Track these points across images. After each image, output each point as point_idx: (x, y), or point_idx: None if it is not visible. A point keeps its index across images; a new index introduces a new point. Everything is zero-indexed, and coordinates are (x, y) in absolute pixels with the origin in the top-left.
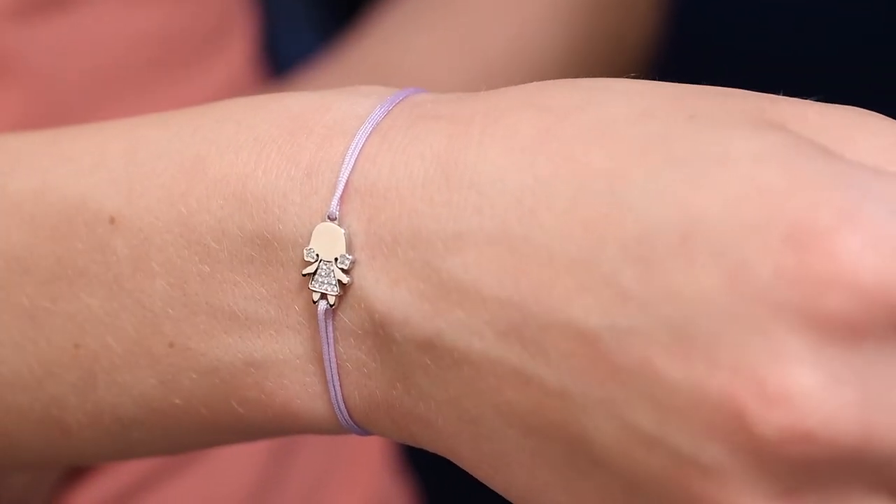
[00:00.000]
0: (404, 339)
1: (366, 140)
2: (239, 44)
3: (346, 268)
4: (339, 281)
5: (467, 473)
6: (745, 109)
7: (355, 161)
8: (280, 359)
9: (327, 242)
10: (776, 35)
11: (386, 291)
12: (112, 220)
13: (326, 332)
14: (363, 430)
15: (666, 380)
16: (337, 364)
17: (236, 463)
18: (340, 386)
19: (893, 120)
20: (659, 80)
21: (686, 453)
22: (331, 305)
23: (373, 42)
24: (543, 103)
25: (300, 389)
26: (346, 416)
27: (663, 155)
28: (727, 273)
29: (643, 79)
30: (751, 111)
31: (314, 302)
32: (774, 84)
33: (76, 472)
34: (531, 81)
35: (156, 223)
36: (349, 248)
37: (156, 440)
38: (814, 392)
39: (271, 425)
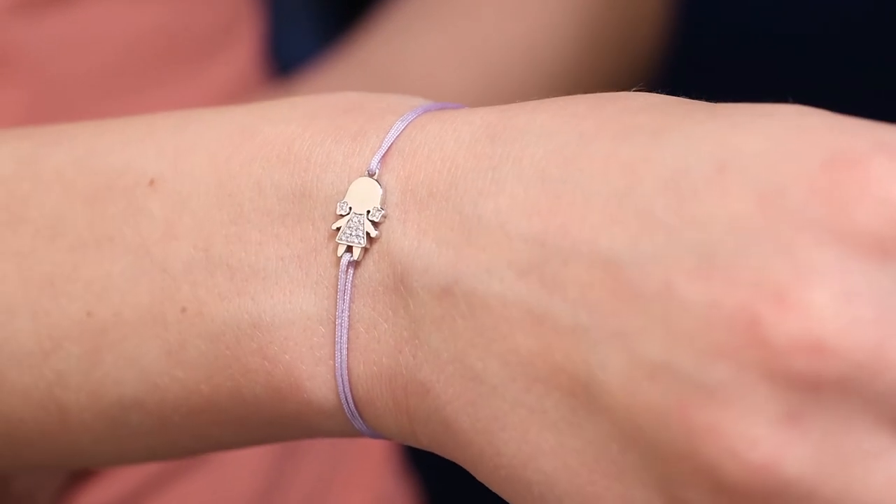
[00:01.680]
0: (422, 289)
1: (416, 116)
2: (243, 43)
3: (376, 220)
4: (367, 233)
5: (470, 475)
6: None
7: (403, 129)
8: (289, 319)
9: (362, 197)
10: (784, 33)
11: (412, 242)
12: (152, 183)
13: (345, 287)
14: (358, 416)
15: (683, 301)
16: (349, 325)
17: (240, 467)
18: (348, 350)
19: None
20: (666, 79)
21: (691, 378)
22: (354, 259)
23: (377, 43)
24: (596, 95)
25: (305, 352)
26: (347, 387)
27: (708, 112)
28: (759, 197)
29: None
30: None
31: (339, 256)
32: (781, 80)
33: (78, 479)
34: (537, 82)
35: (195, 186)
36: (383, 203)
37: (151, 429)
38: (832, 302)
39: (270, 405)
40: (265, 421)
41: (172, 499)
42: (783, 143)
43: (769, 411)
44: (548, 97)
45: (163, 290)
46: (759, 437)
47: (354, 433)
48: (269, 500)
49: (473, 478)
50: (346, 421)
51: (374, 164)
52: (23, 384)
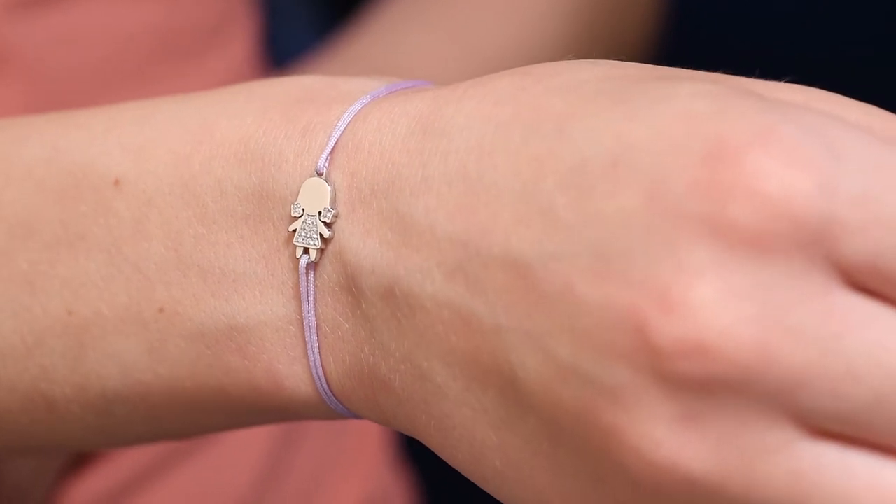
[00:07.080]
0: (370, 290)
1: (362, 107)
2: (238, 40)
3: (328, 221)
4: (321, 234)
5: None
6: (716, 76)
7: (348, 123)
8: (262, 320)
9: (314, 197)
10: (775, 32)
11: (358, 243)
12: (116, 183)
13: (307, 289)
14: (340, 405)
15: (583, 303)
16: (316, 324)
17: (236, 456)
18: (319, 348)
19: (863, 103)
20: None
21: (596, 380)
22: (312, 260)
23: (370, 39)
24: (526, 71)
25: (281, 352)
26: (324, 384)
27: (612, 99)
28: (646, 192)
29: None
30: (720, 77)
31: (297, 258)
32: (772, 76)
33: (75, 467)
34: None
35: (159, 185)
36: (333, 202)
37: (139, 419)
38: (712, 303)
39: (255, 400)
40: (251, 411)
41: (167, 489)
42: (669, 134)
43: (666, 412)
44: None
45: (139, 290)
46: (659, 438)
47: (342, 417)
48: (265, 489)
49: None
50: (332, 411)
51: (321, 162)
52: (7, 377)
